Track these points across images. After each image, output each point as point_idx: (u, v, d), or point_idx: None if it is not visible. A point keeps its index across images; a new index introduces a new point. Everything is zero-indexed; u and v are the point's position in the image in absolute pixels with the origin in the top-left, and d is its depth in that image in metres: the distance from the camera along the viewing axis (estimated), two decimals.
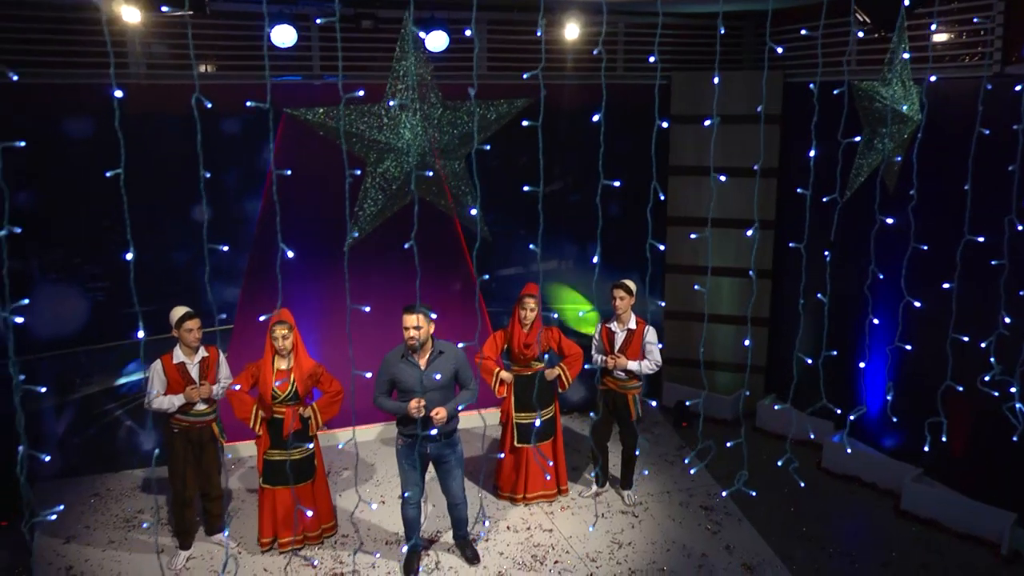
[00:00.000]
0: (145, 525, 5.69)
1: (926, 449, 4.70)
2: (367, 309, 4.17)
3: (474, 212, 4.59)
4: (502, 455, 5.98)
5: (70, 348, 6.39)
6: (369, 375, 4.35)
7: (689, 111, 7.67)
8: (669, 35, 7.54)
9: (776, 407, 7.52)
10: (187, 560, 5.26)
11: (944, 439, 4.81)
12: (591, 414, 6.34)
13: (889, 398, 5.31)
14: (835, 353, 4.84)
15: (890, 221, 4.61)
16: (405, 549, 5.27)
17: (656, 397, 8.04)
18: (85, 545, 5.47)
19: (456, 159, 4.77)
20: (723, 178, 6.10)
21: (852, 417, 4.94)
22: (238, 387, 5.08)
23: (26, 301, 3.90)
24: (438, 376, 4.76)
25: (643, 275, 6.96)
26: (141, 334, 3.32)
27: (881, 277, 4.88)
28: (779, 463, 4.69)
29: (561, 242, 7.67)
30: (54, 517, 3.18)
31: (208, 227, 6.80)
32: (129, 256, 3.12)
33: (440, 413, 4.74)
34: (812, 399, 7.34)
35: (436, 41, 6.24)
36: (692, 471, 6.16)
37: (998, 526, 5.56)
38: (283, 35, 6.00)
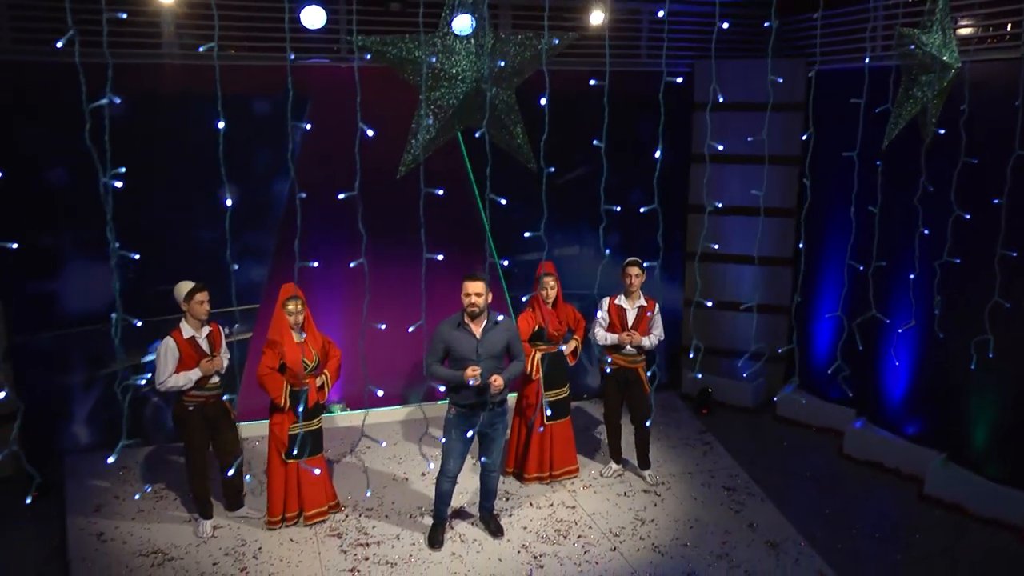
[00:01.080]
0: (148, 488, 5.77)
1: (972, 368, 4.93)
2: (383, 327, 4.39)
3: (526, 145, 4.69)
4: (541, 428, 5.96)
5: (100, 324, 6.49)
6: (412, 328, 4.40)
7: (710, 98, 7.68)
8: (692, 22, 7.57)
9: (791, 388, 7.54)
10: (213, 529, 5.32)
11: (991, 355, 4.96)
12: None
13: (937, 312, 5.33)
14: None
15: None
16: (431, 521, 5.32)
17: (676, 386, 8.06)
18: (115, 514, 5.55)
19: (508, 89, 4.81)
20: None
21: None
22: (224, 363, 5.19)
23: (136, 255, 4.03)
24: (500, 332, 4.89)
25: (664, 262, 7.02)
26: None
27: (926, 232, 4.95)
28: (829, 371, 5.00)
29: (581, 229, 7.71)
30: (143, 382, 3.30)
31: (237, 208, 6.93)
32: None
33: (498, 381, 4.81)
34: (832, 388, 7.37)
35: (461, 23, 6.30)
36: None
37: (1023, 510, 5.54)
38: (313, 17, 6.08)
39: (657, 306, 5.94)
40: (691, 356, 7.77)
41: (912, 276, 5.92)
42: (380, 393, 4.37)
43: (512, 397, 6.23)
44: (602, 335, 5.90)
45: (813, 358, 7.61)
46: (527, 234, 4.79)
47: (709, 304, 6.61)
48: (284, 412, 5.16)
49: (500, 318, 5.01)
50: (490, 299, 4.94)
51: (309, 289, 5.89)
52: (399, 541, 5.24)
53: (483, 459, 5.23)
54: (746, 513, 5.64)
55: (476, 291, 4.84)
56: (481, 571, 4.92)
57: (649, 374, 5.85)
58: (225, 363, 5.24)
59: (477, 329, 4.92)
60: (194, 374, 5.03)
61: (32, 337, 6.34)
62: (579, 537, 5.32)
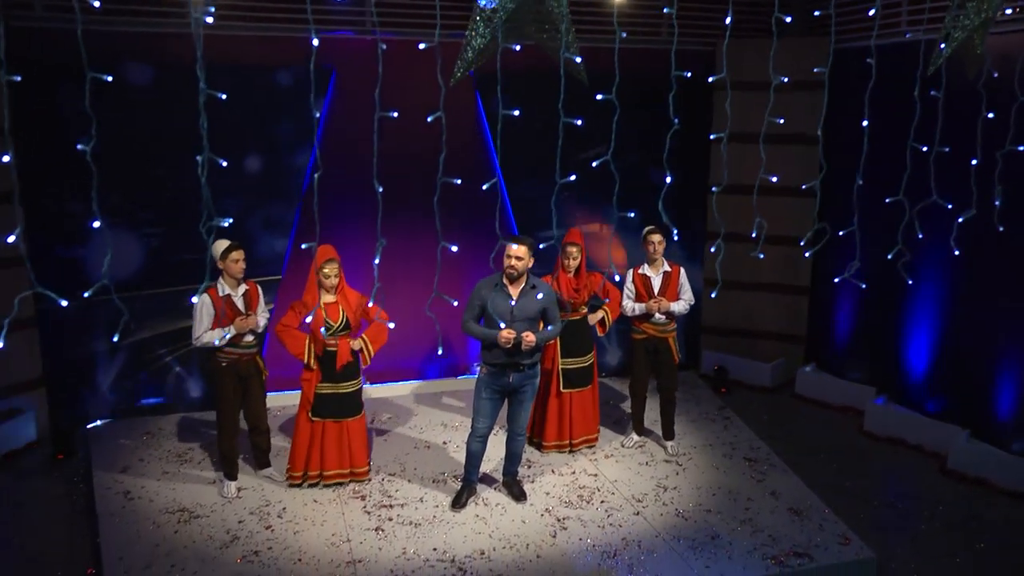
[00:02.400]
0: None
1: None
2: (455, 303, 4.44)
3: (578, 60, 4.72)
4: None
5: (125, 292, 6.53)
6: (456, 303, 4.51)
7: (733, 78, 7.68)
8: (713, 2, 7.57)
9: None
10: (237, 490, 5.35)
11: None
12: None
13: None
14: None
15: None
16: (457, 485, 5.35)
17: (694, 365, 8.05)
18: (140, 475, 5.59)
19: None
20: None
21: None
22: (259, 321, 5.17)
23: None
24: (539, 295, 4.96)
25: (684, 241, 7.02)
26: None
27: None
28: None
29: (603, 206, 7.69)
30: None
31: (259, 179, 6.97)
32: None
33: (530, 336, 4.84)
34: (852, 368, 7.36)
35: None
36: None
37: None
38: None
39: (683, 270, 5.92)
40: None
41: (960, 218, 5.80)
42: (455, 303, 4.45)
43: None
44: (630, 306, 5.90)
45: (832, 340, 7.59)
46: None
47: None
48: (311, 370, 5.21)
49: (539, 284, 5.04)
50: (530, 264, 4.99)
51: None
52: (422, 503, 5.26)
53: (509, 422, 5.24)
54: (768, 482, 5.63)
55: (517, 255, 4.90)
56: (505, 532, 4.94)
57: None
58: (262, 323, 5.27)
59: (515, 291, 4.96)
60: (228, 331, 5.08)
61: (58, 304, 6.37)
62: (602, 502, 5.32)
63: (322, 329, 5.13)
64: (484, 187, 4.88)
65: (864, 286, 5.54)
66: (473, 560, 4.63)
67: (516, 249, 4.91)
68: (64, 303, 3.72)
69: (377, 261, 4.35)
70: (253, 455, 5.55)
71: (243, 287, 5.23)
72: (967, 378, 6.32)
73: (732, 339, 8.06)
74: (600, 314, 5.92)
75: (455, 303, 4.53)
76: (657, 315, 5.83)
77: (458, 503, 5.20)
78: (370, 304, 5.23)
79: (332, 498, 5.30)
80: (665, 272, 5.89)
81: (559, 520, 5.08)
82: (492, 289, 4.97)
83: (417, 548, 4.74)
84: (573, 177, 5.14)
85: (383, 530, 4.93)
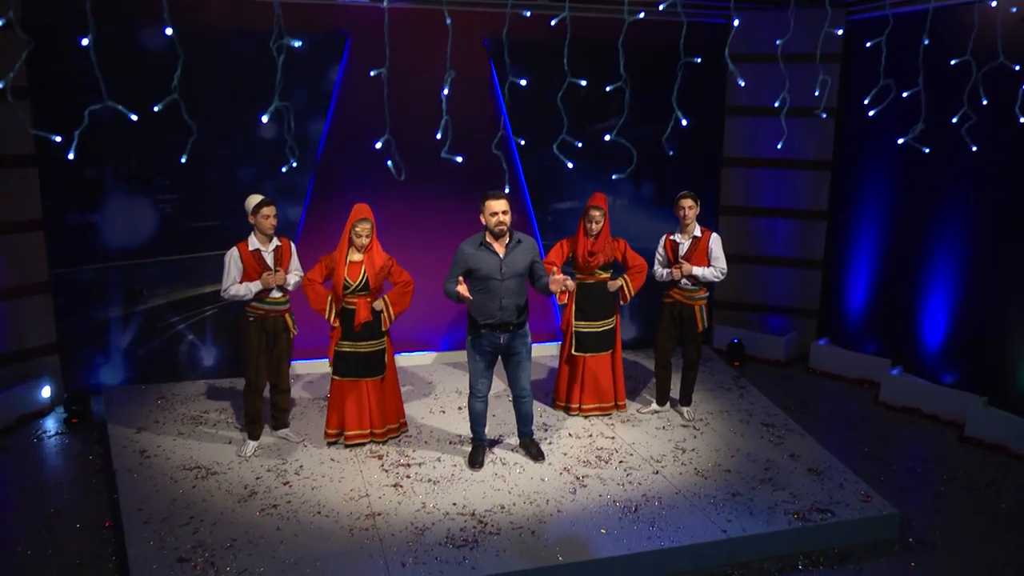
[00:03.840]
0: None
1: None
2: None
3: None
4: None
5: (138, 259, 6.52)
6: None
7: (747, 50, 7.67)
8: None
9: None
10: (255, 450, 5.33)
11: None
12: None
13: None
14: None
15: None
16: (471, 445, 5.33)
17: (707, 340, 8.02)
18: (156, 435, 5.57)
19: None
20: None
21: None
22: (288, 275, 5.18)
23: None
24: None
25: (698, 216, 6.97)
26: None
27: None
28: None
29: (616, 179, 7.66)
30: None
31: (274, 146, 6.95)
32: None
33: (567, 280, 4.77)
34: (867, 341, 7.33)
35: None
36: None
37: None
38: None
39: (716, 237, 5.79)
40: None
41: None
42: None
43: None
44: (659, 272, 5.86)
45: (846, 313, 7.56)
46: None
47: None
48: (334, 328, 5.22)
49: (522, 237, 4.98)
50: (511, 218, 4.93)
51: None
52: (440, 463, 5.24)
53: (511, 386, 5.22)
54: (786, 445, 5.60)
55: (502, 209, 4.82)
56: (524, 488, 4.91)
57: None
58: (292, 281, 5.24)
59: (500, 248, 4.89)
60: (255, 286, 5.06)
61: (72, 270, 6.37)
62: (620, 462, 5.29)
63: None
64: (493, 145, 4.86)
65: (927, 150, 5.44)
66: (493, 513, 4.60)
67: (500, 204, 4.81)
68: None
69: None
70: (271, 414, 5.52)
71: (274, 243, 5.21)
72: (984, 346, 6.29)
73: (745, 314, 8.04)
74: (619, 282, 5.84)
75: None
76: (683, 281, 5.78)
77: (475, 462, 5.18)
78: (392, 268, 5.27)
79: (349, 457, 5.28)
80: (694, 237, 5.81)
81: (578, 478, 5.05)
82: (477, 249, 4.87)
83: (436, 503, 4.72)
84: (580, 144, 5.08)
85: (401, 486, 4.91)
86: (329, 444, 5.42)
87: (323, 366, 6.79)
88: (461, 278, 4.74)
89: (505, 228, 4.84)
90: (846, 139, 7.55)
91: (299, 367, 6.83)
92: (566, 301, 5.85)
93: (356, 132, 6.88)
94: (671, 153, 6.10)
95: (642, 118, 7.60)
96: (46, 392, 6.24)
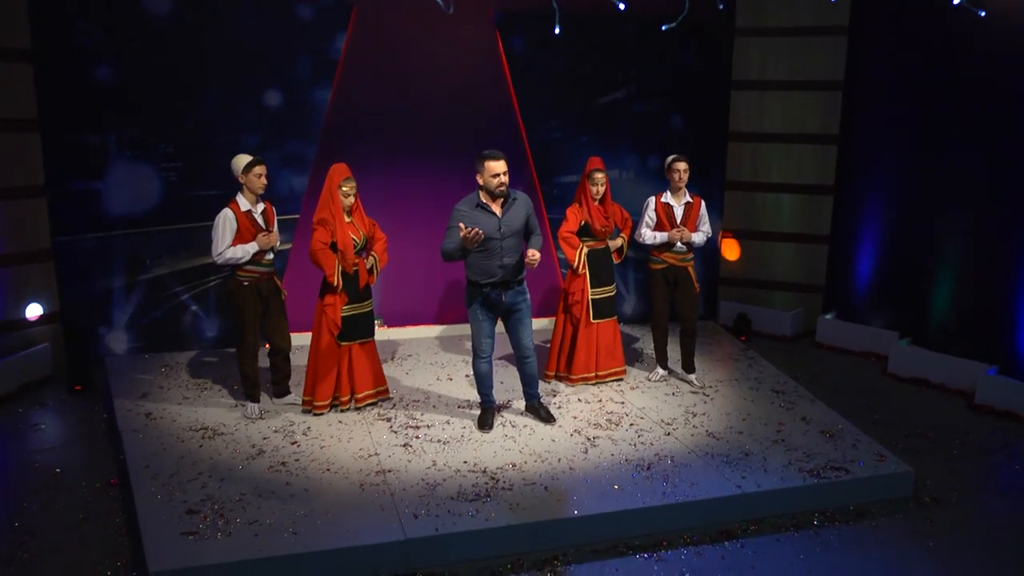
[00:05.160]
0: None
1: None
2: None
3: None
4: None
5: (142, 228, 6.46)
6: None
7: (753, 24, 7.64)
8: None
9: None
10: (261, 411, 5.27)
11: None
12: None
13: None
14: None
15: None
16: (479, 407, 5.27)
17: (712, 315, 7.98)
18: (161, 400, 5.51)
19: None
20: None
21: None
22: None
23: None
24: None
25: (702, 189, 6.95)
26: None
27: None
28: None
29: (622, 152, 7.64)
30: None
31: (279, 115, 6.89)
32: None
33: (535, 255, 4.76)
34: (874, 315, 7.30)
35: None
36: None
37: None
38: None
39: (703, 203, 5.86)
40: None
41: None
42: None
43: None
44: (651, 235, 5.82)
45: (853, 288, 7.53)
46: None
47: None
48: (336, 293, 5.12)
49: (518, 195, 4.93)
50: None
51: None
52: (449, 425, 5.18)
53: (515, 347, 5.15)
54: (797, 410, 5.56)
55: (503, 170, 4.75)
56: (536, 448, 4.86)
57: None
58: (278, 242, 5.19)
59: (497, 208, 4.84)
60: (251, 247, 4.98)
61: (75, 238, 6.30)
62: (631, 425, 5.25)
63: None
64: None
65: (983, 13, 5.43)
66: (505, 471, 4.55)
67: (501, 165, 4.74)
68: None
69: None
70: (274, 380, 5.44)
71: (261, 204, 5.14)
72: (993, 317, 6.27)
73: (750, 289, 7.99)
74: (619, 241, 5.85)
75: None
76: (678, 244, 5.77)
77: (485, 424, 5.12)
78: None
79: (357, 419, 5.22)
80: (687, 203, 5.80)
81: (589, 439, 5.00)
82: (473, 209, 4.81)
83: (447, 461, 4.67)
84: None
85: (411, 446, 4.85)
86: (317, 415, 5.26)
87: (303, 339, 6.66)
88: (462, 224, 4.64)
89: (506, 189, 4.79)
90: (853, 112, 7.51)
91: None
92: (583, 271, 5.75)
93: (361, 101, 6.83)
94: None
95: (649, 91, 7.57)
96: (48, 360, 6.16)
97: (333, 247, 5.05)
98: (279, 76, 6.59)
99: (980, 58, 6.30)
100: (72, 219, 6.28)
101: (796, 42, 7.55)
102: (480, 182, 4.82)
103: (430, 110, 6.98)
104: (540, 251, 4.90)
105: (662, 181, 6.00)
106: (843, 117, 7.56)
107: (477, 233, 4.56)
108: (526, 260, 4.80)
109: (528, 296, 5.06)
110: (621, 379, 6.00)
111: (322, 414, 5.27)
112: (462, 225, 4.62)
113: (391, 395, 5.56)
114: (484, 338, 5.01)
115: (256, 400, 5.28)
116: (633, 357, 6.58)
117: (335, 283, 5.08)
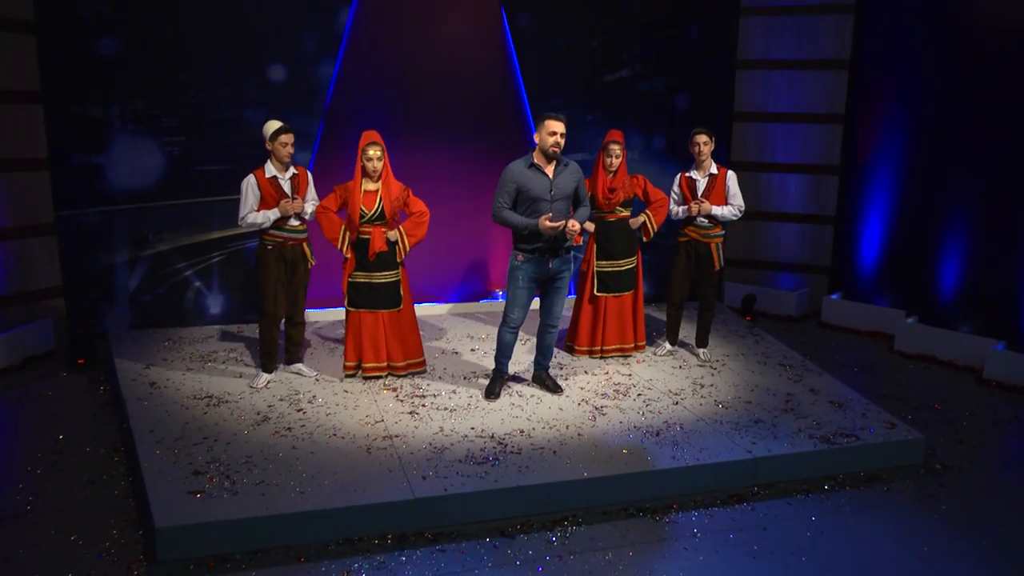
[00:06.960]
0: None
1: None
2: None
3: None
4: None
5: (145, 202, 6.41)
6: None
7: (759, 2, 7.61)
8: None
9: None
10: (267, 383, 5.23)
11: None
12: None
13: None
14: None
15: None
16: (489, 377, 5.24)
17: (718, 296, 7.93)
18: (165, 370, 5.47)
19: None
20: None
21: None
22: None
23: None
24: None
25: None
26: None
27: None
28: None
29: (627, 131, 7.58)
30: None
31: (283, 90, 6.84)
32: None
33: (576, 224, 4.72)
34: (880, 295, 7.27)
35: None
36: None
37: None
38: None
39: (732, 175, 5.72)
40: None
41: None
42: None
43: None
44: (676, 210, 5.76)
45: (859, 267, 7.50)
46: None
47: None
48: (347, 260, 5.13)
49: (568, 162, 4.90)
50: None
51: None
52: (455, 394, 5.15)
53: (544, 315, 5.12)
54: (805, 382, 5.52)
55: (561, 131, 4.71)
56: (543, 416, 4.82)
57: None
58: (309, 210, 5.15)
59: (550, 169, 4.81)
60: (272, 213, 4.97)
61: (77, 212, 6.26)
62: (639, 395, 5.21)
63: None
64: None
65: None
66: (513, 436, 4.51)
67: (560, 125, 4.70)
68: None
69: None
70: (285, 347, 5.42)
71: (291, 171, 5.11)
72: (1000, 293, 6.23)
73: (755, 270, 7.96)
74: (641, 218, 5.74)
75: None
76: (700, 218, 5.70)
77: (492, 393, 5.08)
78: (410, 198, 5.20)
79: (363, 389, 5.18)
80: (711, 175, 5.72)
81: (597, 408, 4.97)
82: (527, 169, 4.80)
83: (454, 427, 4.63)
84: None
85: (417, 414, 4.81)
86: (347, 376, 5.32)
87: (335, 314, 6.69)
88: (547, 218, 4.65)
89: (560, 150, 4.75)
90: (859, 91, 7.48)
91: (312, 315, 6.67)
92: (581, 242, 5.73)
93: (367, 77, 6.79)
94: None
95: (654, 69, 7.53)
96: (51, 334, 6.12)
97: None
98: (284, 51, 6.55)
99: (987, 35, 6.28)
100: (75, 193, 6.23)
101: (802, 21, 7.52)
102: (536, 140, 4.80)
103: (435, 87, 6.93)
104: (582, 224, 4.87)
105: (667, 160, 5.96)
106: (849, 96, 7.53)
107: (555, 227, 4.60)
108: (566, 229, 4.71)
109: (572, 268, 5.04)
110: (629, 355, 5.95)
111: (351, 375, 5.30)
112: (547, 219, 4.63)
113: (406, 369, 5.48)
114: (518, 308, 4.97)
115: (269, 371, 5.25)
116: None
117: (339, 247, 5.08)
